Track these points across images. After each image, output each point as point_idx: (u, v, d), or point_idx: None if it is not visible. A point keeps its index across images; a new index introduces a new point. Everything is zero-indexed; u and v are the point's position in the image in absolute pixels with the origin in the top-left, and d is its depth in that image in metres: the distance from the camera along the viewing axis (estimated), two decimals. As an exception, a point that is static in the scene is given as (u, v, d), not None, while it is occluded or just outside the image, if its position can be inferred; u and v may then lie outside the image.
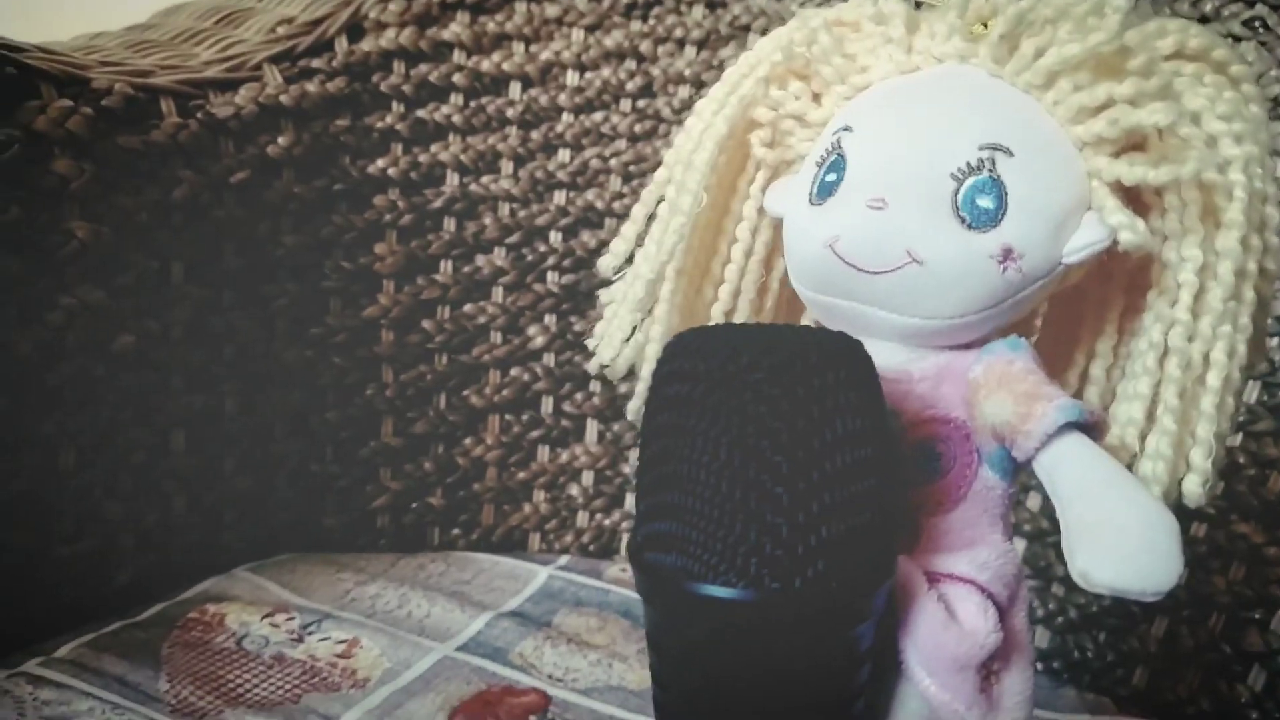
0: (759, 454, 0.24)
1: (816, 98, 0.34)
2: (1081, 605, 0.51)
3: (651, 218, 0.35)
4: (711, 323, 0.35)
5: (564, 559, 0.54)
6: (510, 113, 0.56)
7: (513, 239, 0.56)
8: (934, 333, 0.30)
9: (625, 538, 0.58)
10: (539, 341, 0.57)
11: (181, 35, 0.52)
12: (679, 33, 0.58)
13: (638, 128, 0.57)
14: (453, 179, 0.55)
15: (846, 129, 0.31)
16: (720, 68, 0.57)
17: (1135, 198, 0.31)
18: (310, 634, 0.42)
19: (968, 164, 0.29)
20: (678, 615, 0.26)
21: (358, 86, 0.52)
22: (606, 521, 0.58)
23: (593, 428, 0.58)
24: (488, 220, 0.56)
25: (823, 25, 0.33)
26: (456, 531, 0.56)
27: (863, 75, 0.33)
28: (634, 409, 0.36)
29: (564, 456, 0.58)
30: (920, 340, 0.31)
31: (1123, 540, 0.26)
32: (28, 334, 0.41)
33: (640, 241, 0.35)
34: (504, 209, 0.56)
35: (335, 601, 0.45)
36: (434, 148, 0.55)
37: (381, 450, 0.54)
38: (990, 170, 0.29)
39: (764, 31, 0.57)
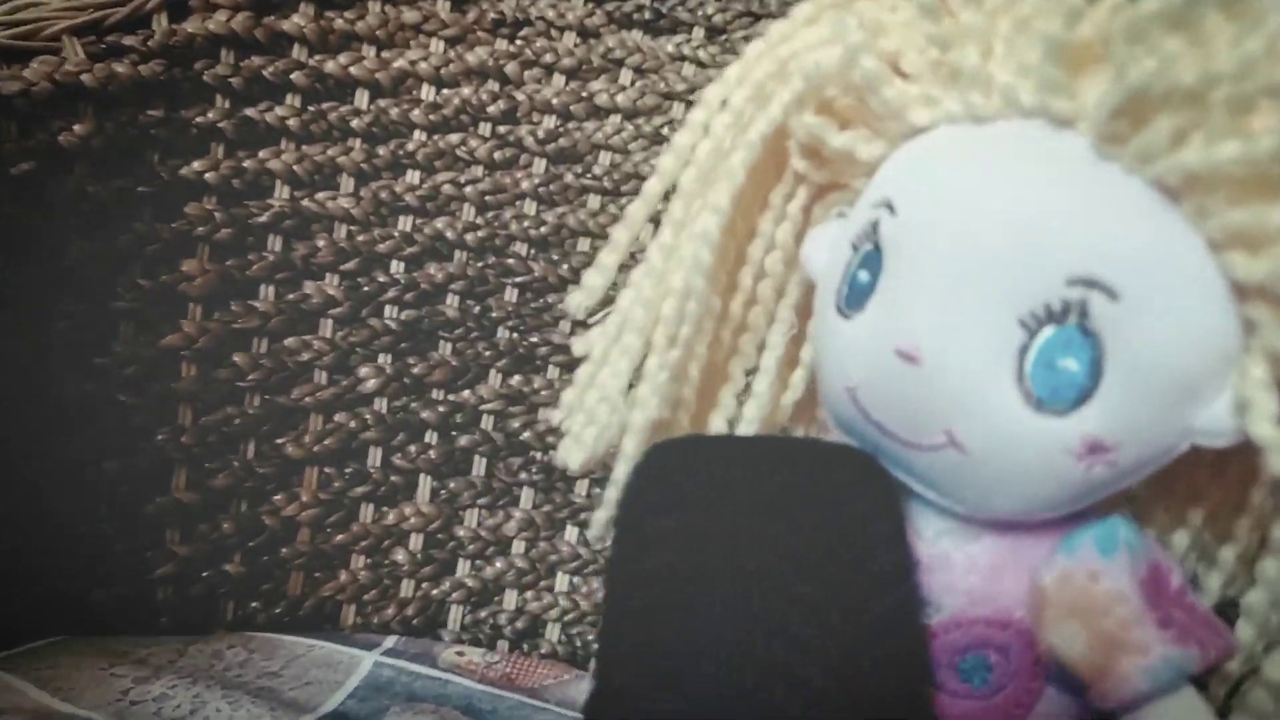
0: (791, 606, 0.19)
1: (865, 121, 0.24)
2: None
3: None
4: (730, 386, 0.26)
5: (390, 640, 0.47)
6: (355, 123, 0.49)
7: (348, 265, 0.49)
8: (993, 524, 0.22)
9: (456, 610, 0.51)
10: (371, 384, 0.50)
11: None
12: (548, 58, 0.53)
13: (498, 155, 0.52)
14: (282, 191, 0.48)
15: (888, 206, 0.22)
16: (590, 100, 0.52)
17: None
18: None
19: (1047, 307, 0.20)
20: None
21: (177, 73, 0.44)
22: (435, 591, 0.51)
23: (425, 484, 0.52)
24: (321, 242, 0.49)
25: (863, 42, 0.23)
26: (255, 605, 0.47)
27: (924, 112, 0.23)
28: (601, 522, 0.28)
29: (390, 516, 0.51)
30: (975, 524, 0.23)
31: None
32: None
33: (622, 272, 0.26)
34: (340, 231, 0.49)
35: (109, 707, 0.36)
36: (263, 154, 0.47)
37: (171, 507, 0.45)
38: (1080, 318, 0.20)
39: (638, 69, 0.53)
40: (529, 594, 0.53)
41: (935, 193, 0.22)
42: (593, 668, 0.42)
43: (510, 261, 0.52)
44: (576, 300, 0.27)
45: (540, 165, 0.52)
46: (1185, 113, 0.20)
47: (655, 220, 0.27)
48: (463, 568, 0.52)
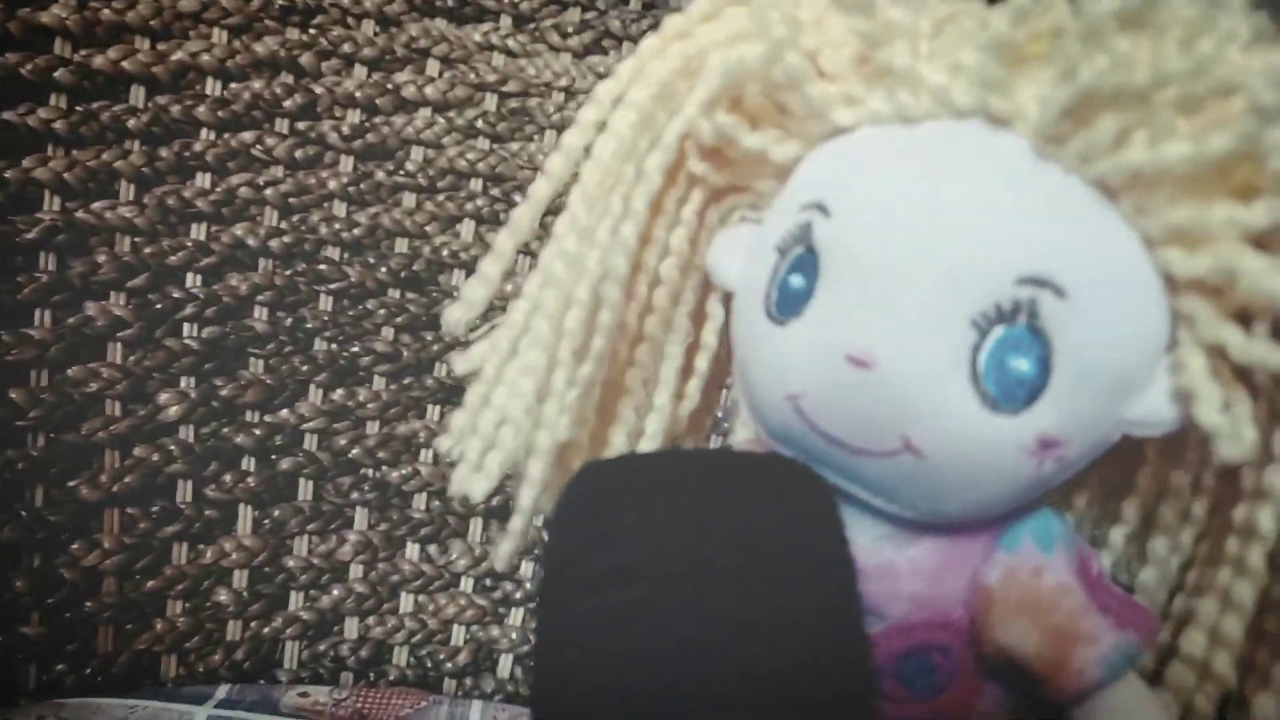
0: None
1: (777, 121, 0.23)
2: None
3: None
4: (629, 399, 0.25)
5: (221, 690, 0.42)
6: (132, 124, 0.44)
7: (136, 282, 0.44)
8: (932, 524, 0.22)
9: (291, 647, 0.47)
10: (173, 411, 0.45)
11: None
12: (347, 49, 0.49)
13: (299, 153, 0.48)
14: (53, 203, 0.42)
15: (820, 208, 0.21)
16: (396, 92, 0.49)
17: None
18: None
19: (997, 307, 0.20)
20: None
21: (-88, 73, 0.38)
22: (266, 630, 0.47)
23: (246, 515, 0.47)
24: (101, 257, 0.44)
25: (786, 37, 0.22)
26: (62, 668, 0.42)
27: (847, 112, 0.22)
28: (506, 555, 0.26)
29: (208, 554, 0.46)
30: (912, 526, 0.22)
31: None
32: None
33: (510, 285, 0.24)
34: (123, 243, 0.44)
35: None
36: (26, 162, 0.42)
37: (-53, 568, 0.40)
38: (1030, 317, 0.19)
39: (445, 58, 0.50)
40: (371, 620, 0.49)
41: (873, 195, 0.21)
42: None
43: (322, 267, 0.48)
44: (457, 315, 0.24)
45: (348, 163, 0.49)
46: (1129, 112, 0.20)
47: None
48: (295, 600, 0.48)
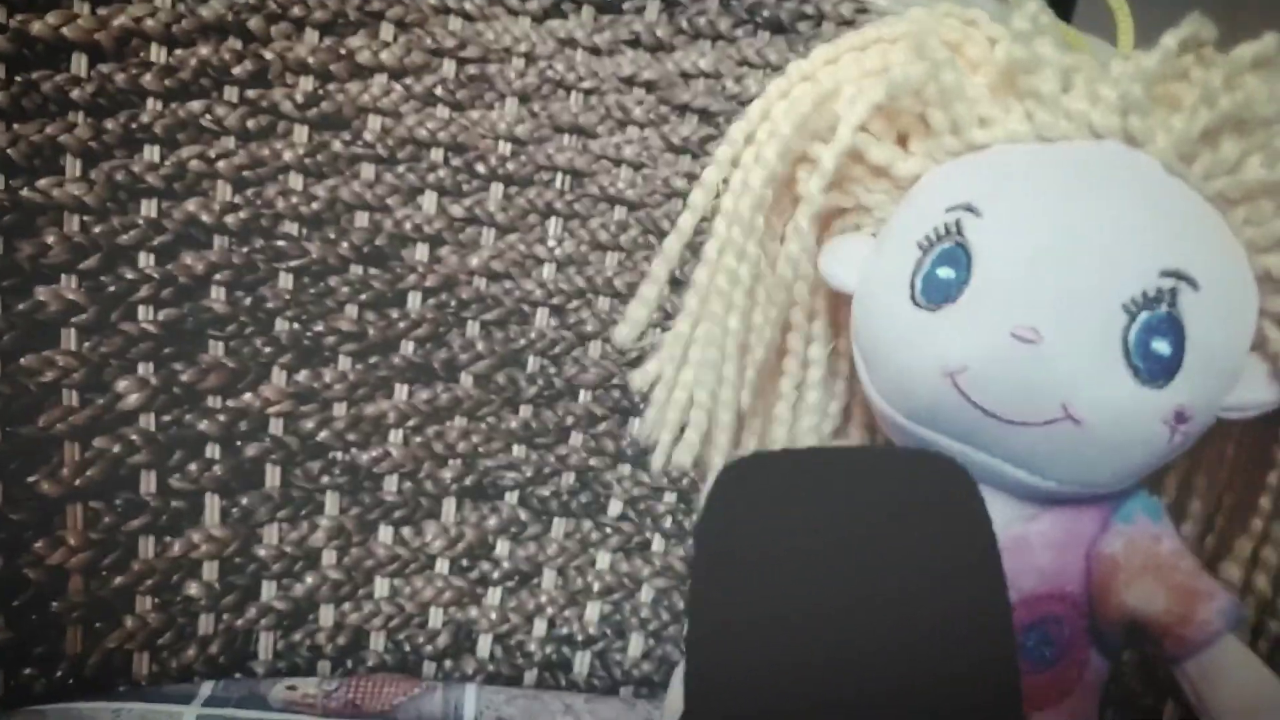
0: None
1: (902, 141, 0.27)
2: None
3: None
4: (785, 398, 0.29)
5: (207, 688, 0.41)
6: (76, 94, 0.41)
7: (88, 263, 0.42)
8: (1066, 496, 0.24)
9: (266, 638, 0.46)
10: (133, 399, 0.43)
11: None
12: (297, 11, 0.47)
13: (251, 123, 0.46)
14: (-5, 181, 0.40)
15: (969, 209, 0.24)
16: (350, 58, 0.47)
17: None
18: None
19: (1144, 294, 0.23)
20: None
21: None
22: (239, 622, 0.45)
23: (213, 504, 0.45)
24: (50, 238, 0.41)
25: (949, 59, 0.25)
26: (30, 672, 0.40)
27: (982, 131, 0.26)
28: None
29: (176, 547, 0.44)
30: (1041, 499, 0.25)
31: None
32: None
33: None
34: (72, 222, 0.42)
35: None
36: (-37, 137, 0.39)
37: (-101, 574, 0.37)
38: (1170, 305, 0.23)
39: (400, 22, 0.48)
40: (347, 606, 0.48)
41: (1027, 196, 0.25)
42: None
43: (281, 243, 0.46)
44: (623, 333, 0.30)
45: (302, 133, 0.47)
46: (1248, 139, 0.25)
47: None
48: (268, 590, 0.46)
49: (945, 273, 0.24)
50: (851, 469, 0.22)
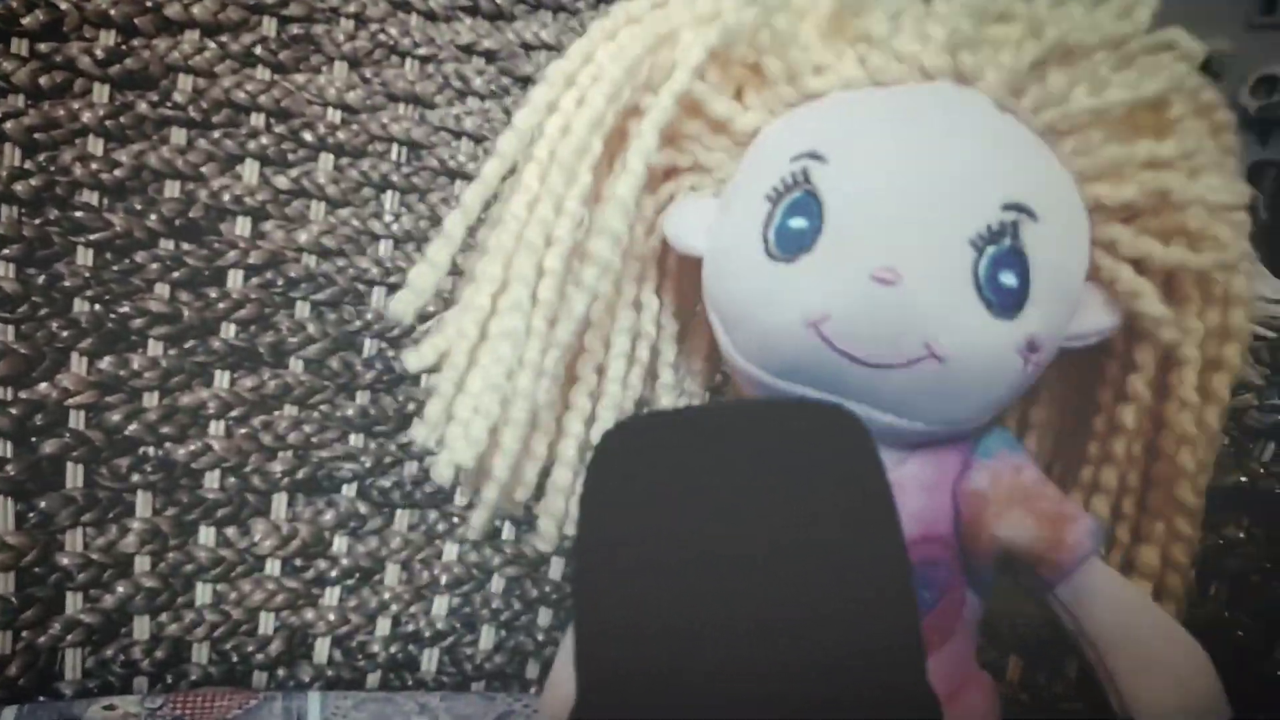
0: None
1: (738, 97, 0.26)
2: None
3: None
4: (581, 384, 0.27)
5: (10, 714, 0.36)
6: None
7: None
8: (929, 437, 0.25)
9: (72, 655, 0.41)
10: (-97, 391, 0.37)
11: None
12: (91, -43, 0.42)
13: (43, 80, 0.41)
14: None
15: (815, 156, 0.24)
16: (159, 11, 0.43)
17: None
18: None
19: (988, 228, 0.23)
20: None
21: None
22: (42, 639, 0.40)
23: (7, 509, 0.40)
24: None
25: (781, 3, 0.25)
26: None
27: (817, 79, 0.25)
28: (481, 525, 0.28)
29: (-39, 559, 0.39)
30: (907, 442, 0.25)
31: (1185, 692, 0.24)
32: None
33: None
34: None
35: None
36: None
37: None
38: (1013, 238, 0.23)
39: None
40: (164, 616, 0.43)
41: (869, 140, 0.25)
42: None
43: (79, 214, 0.41)
44: (405, 302, 0.26)
45: (103, 92, 0.42)
46: (1074, 69, 0.25)
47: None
48: (73, 602, 0.41)
49: (798, 223, 0.24)
50: (740, 423, 0.21)
